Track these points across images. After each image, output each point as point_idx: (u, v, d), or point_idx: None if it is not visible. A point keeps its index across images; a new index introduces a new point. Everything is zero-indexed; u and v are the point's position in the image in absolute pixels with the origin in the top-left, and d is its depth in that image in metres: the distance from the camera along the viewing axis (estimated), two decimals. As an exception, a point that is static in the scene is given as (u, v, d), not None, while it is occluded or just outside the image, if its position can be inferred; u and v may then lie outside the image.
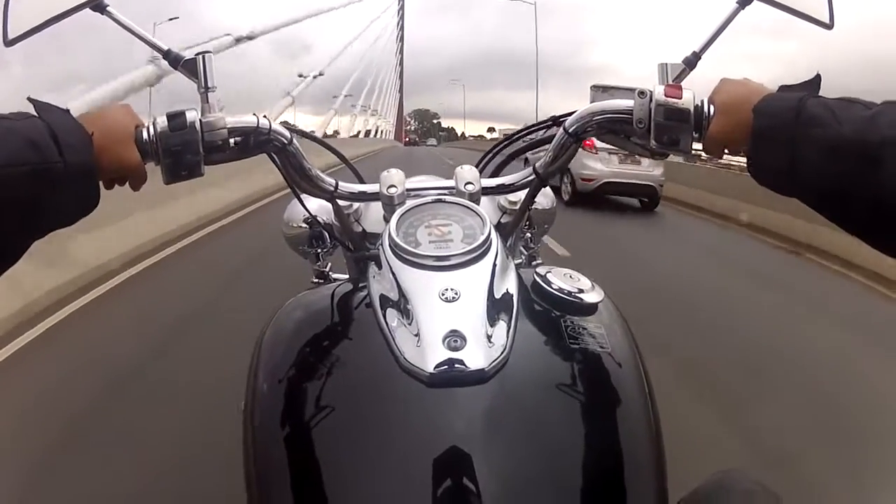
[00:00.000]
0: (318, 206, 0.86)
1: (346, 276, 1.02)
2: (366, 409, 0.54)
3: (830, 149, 0.53)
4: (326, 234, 0.99)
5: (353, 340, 0.63)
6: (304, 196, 0.76)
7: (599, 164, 8.37)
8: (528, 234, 1.08)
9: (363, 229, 0.83)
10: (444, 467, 0.49)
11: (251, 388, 0.62)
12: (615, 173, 8.41)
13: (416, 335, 0.52)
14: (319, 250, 1.03)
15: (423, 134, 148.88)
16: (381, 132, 65.95)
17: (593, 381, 0.58)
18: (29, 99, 0.58)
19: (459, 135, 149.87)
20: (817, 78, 0.58)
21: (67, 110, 0.57)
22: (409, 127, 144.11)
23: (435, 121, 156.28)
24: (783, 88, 0.59)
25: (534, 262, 1.07)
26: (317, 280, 1.05)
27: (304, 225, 1.01)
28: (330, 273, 1.05)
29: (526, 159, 0.91)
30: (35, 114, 0.56)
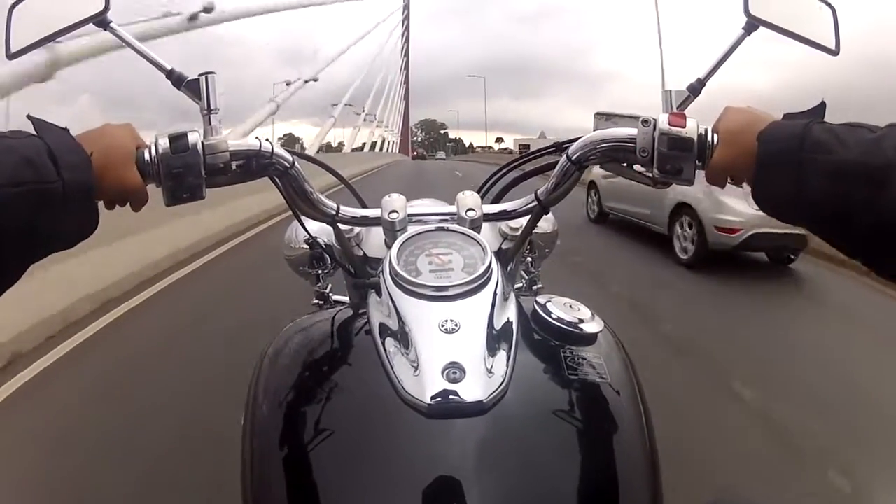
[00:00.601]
0: (318, 228, 0.86)
1: (346, 299, 1.02)
2: (363, 436, 0.54)
3: (836, 173, 0.53)
4: (327, 256, 0.99)
5: (352, 367, 0.63)
6: (304, 218, 0.76)
7: (746, 206, 5.03)
8: (529, 259, 1.08)
9: (364, 254, 0.83)
10: (439, 498, 0.48)
11: (250, 408, 0.62)
12: (766, 220, 4.55)
13: (414, 365, 0.52)
14: (320, 272, 1.03)
15: (429, 146, 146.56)
16: (387, 144, 63.49)
17: (592, 412, 0.58)
18: (28, 117, 0.57)
19: (468, 146, 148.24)
20: (822, 105, 0.59)
21: (66, 129, 0.57)
22: (415, 138, 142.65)
23: (442, 131, 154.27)
24: (787, 116, 0.59)
25: (534, 287, 1.08)
26: (317, 301, 1.05)
27: (304, 246, 1.02)
28: (330, 295, 1.06)
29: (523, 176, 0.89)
30: (34, 132, 0.55)
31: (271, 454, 0.57)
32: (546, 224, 1.05)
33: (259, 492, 0.56)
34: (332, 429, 0.55)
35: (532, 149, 0.75)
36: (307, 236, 0.94)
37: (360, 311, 0.68)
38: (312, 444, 0.55)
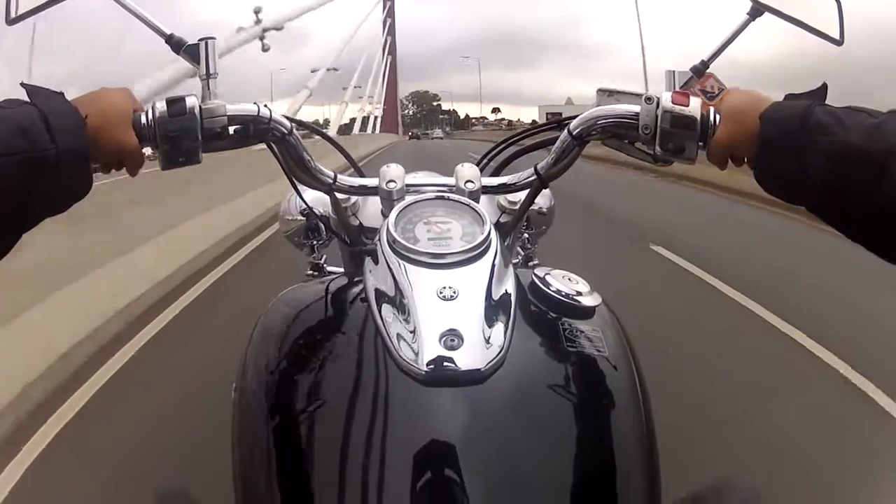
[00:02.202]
0: (314, 198, 0.87)
1: (341, 270, 1.03)
2: (357, 403, 0.55)
3: (837, 156, 0.55)
4: (322, 227, 1.00)
5: (346, 335, 0.64)
6: (301, 188, 0.77)
7: None
8: (526, 235, 1.09)
9: (360, 223, 0.84)
10: (434, 465, 0.50)
11: (241, 376, 0.63)
12: None
13: (412, 332, 0.53)
14: (315, 242, 1.05)
15: (422, 120, 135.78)
16: (371, 121, 49.04)
17: (589, 385, 0.59)
18: (22, 84, 0.57)
19: (463, 118, 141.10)
20: (824, 87, 0.60)
21: (61, 93, 0.58)
22: (406, 111, 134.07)
23: (435, 103, 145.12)
24: (790, 97, 0.61)
25: (531, 263, 1.09)
26: (311, 272, 1.06)
27: (300, 217, 1.03)
28: (325, 266, 1.07)
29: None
30: (28, 100, 0.56)
31: (263, 422, 0.58)
32: (543, 200, 1.06)
33: (250, 460, 0.57)
34: (326, 396, 0.56)
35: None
36: (303, 206, 0.95)
37: (356, 280, 0.69)
38: (305, 411, 0.56)
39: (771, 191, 0.61)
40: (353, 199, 0.84)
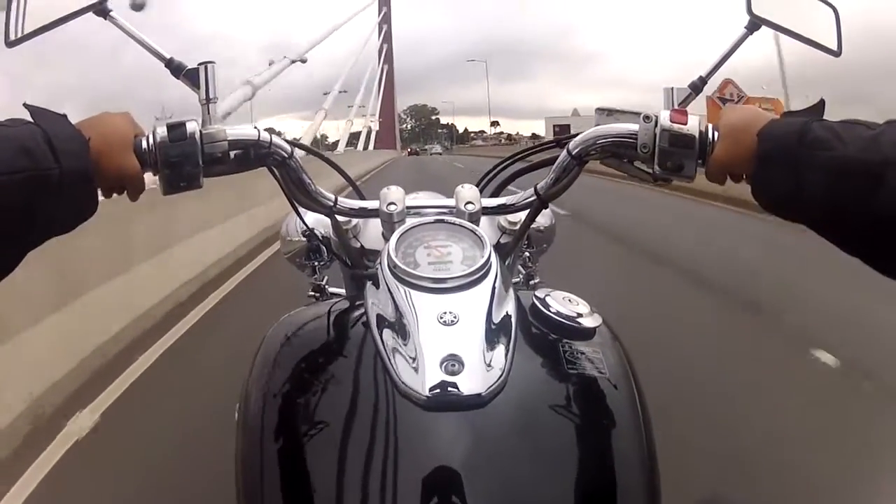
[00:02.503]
0: (315, 220, 0.88)
1: (343, 291, 1.03)
2: (359, 428, 0.55)
3: (835, 170, 0.55)
4: (324, 248, 1.01)
5: (348, 359, 0.64)
6: (301, 210, 0.77)
7: None
8: (527, 254, 1.09)
9: (362, 245, 0.84)
10: (437, 490, 0.49)
11: (244, 400, 0.63)
12: None
13: (413, 357, 0.53)
14: (316, 263, 1.05)
15: (420, 135, 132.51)
16: (370, 136, 45.91)
17: (590, 406, 0.59)
18: (25, 105, 0.58)
19: (462, 132, 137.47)
20: (821, 103, 0.61)
21: (64, 115, 0.58)
22: (404, 125, 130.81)
23: (434, 117, 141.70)
24: (787, 114, 0.61)
25: (532, 282, 1.09)
26: (313, 293, 1.06)
27: (302, 238, 1.03)
28: (327, 287, 1.07)
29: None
30: (31, 120, 0.56)
31: (265, 447, 0.57)
32: (543, 218, 1.06)
33: (252, 485, 0.57)
34: (329, 420, 0.56)
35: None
36: (304, 228, 0.95)
37: (357, 303, 0.69)
38: (308, 436, 0.56)
39: (769, 208, 0.61)
40: (354, 221, 0.84)
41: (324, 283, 1.08)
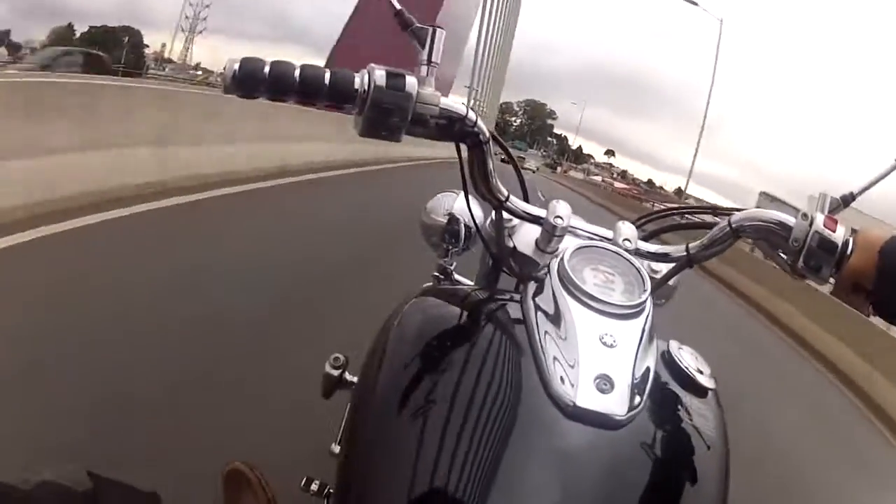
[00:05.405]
0: (459, 207, 0.92)
1: (466, 280, 1.08)
2: (496, 417, 0.57)
3: None
4: (463, 236, 1.06)
5: (494, 349, 0.66)
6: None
7: None
8: None
9: (514, 246, 0.87)
10: (560, 493, 0.52)
11: (369, 373, 0.66)
12: None
13: (571, 366, 0.57)
14: (451, 248, 1.10)
15: (526, 135, 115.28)
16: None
17: (693, 458, 0.63)
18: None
19: (576, 149, 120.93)
20: None
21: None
22: (514, 119, 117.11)
23: (550, 121, 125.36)
24: None
25: None
26: (437, 274, 1.12)
27: (442, 219, 1.09)
28: (453, 272, 1.13)
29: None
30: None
31: (393, 422, 0.59)
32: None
33: (363, 456, 0.60)
34: (465, 403, 0.58)
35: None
36: (447, 210, 1.02)
37: (498, 296, 0.74)
38: (440, 416, 0.57)
39: (891, 321, 0.65)
40: (515, 221, 0.87)
41: (452, 267, 1.12)
